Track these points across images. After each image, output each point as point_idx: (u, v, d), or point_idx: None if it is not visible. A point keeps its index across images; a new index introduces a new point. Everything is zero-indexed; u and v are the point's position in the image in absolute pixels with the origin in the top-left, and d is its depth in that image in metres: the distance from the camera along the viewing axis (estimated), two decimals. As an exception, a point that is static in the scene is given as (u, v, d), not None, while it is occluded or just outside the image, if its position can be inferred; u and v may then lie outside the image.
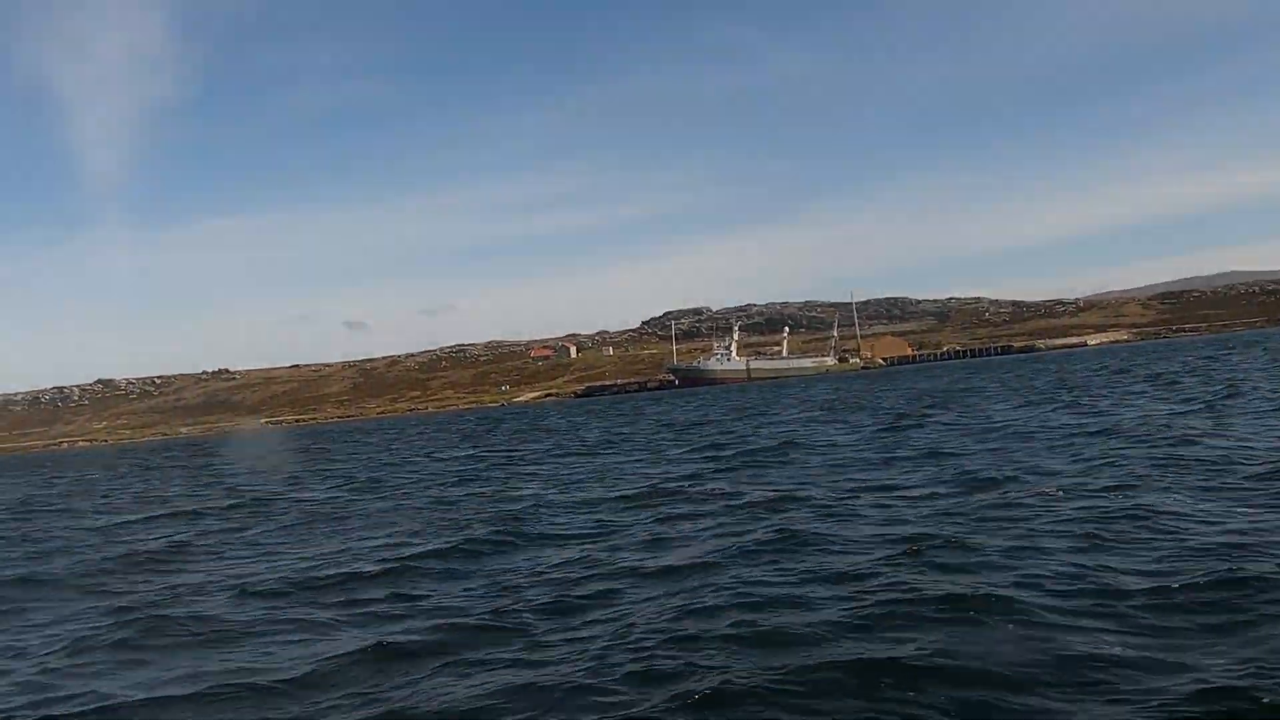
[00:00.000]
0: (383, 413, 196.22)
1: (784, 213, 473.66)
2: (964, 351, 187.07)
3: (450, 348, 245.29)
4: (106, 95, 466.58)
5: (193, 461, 55.75)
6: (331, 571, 12.18)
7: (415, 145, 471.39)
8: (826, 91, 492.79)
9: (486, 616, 9.21)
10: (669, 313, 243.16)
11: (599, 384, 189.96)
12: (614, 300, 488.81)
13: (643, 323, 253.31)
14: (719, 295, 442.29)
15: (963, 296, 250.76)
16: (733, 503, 15.28)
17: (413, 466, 32.55)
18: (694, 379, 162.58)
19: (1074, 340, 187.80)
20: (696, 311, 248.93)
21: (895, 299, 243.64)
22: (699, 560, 10.76)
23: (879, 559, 10.09)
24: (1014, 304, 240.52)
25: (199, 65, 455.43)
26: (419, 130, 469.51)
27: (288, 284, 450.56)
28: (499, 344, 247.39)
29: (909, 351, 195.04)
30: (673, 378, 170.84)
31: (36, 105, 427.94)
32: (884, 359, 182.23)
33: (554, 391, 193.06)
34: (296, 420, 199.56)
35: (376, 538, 15.19)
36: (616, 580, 10.31)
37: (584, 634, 8.38)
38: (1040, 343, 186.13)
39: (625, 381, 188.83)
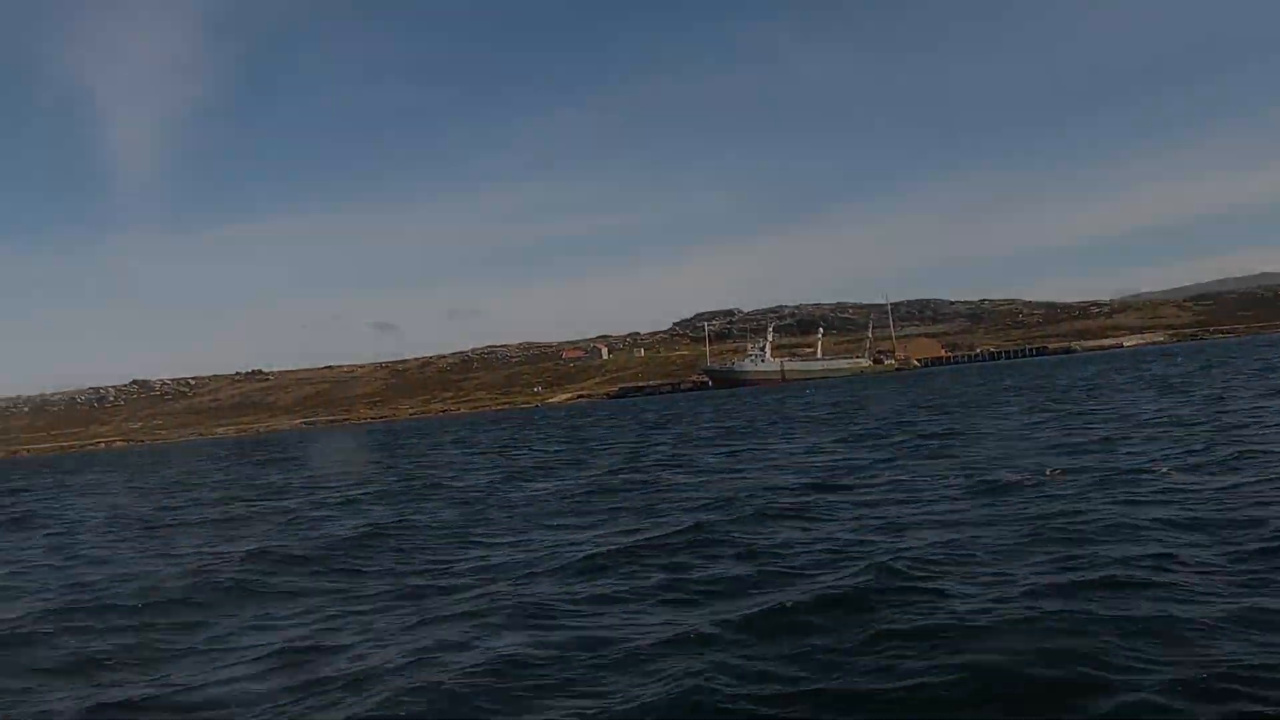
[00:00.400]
0: (415, 414, 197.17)
1: (814, 214, 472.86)
2: (998, 353, 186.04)
3: (481, 349, 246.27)
4: (140, 99, 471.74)
5: (298, 455, 56.13)
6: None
7: (445, 147, 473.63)
8: (856, 91, 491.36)
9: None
10: (700, 314, 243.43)
11: (632, 385, 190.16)
12: (645, 302, 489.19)
13: (674, 324, 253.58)
14: (749, 297, 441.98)
15: (995, 298, 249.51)
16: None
17: (559, 455, 32.76)
18: (729, 380, 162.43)
19: (1109, 342, 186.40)
20: (728, 313, 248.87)
21: (927, 300, 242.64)
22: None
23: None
24: (1047, 305, 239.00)
25: (231, 69, 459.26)
26: (449, 132, 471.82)
27: (319, 285, 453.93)
28: (530, 345, 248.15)
29: (942, 353, 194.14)
30: (707, 379, 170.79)
31: (72, 109, 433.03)
32: (918, 360, 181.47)
33: (586, 393, 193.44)
34: (330, 421, 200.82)
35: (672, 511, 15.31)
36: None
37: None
38: (1076, 344, 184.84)
39: (659, 383, 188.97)
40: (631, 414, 76.07)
